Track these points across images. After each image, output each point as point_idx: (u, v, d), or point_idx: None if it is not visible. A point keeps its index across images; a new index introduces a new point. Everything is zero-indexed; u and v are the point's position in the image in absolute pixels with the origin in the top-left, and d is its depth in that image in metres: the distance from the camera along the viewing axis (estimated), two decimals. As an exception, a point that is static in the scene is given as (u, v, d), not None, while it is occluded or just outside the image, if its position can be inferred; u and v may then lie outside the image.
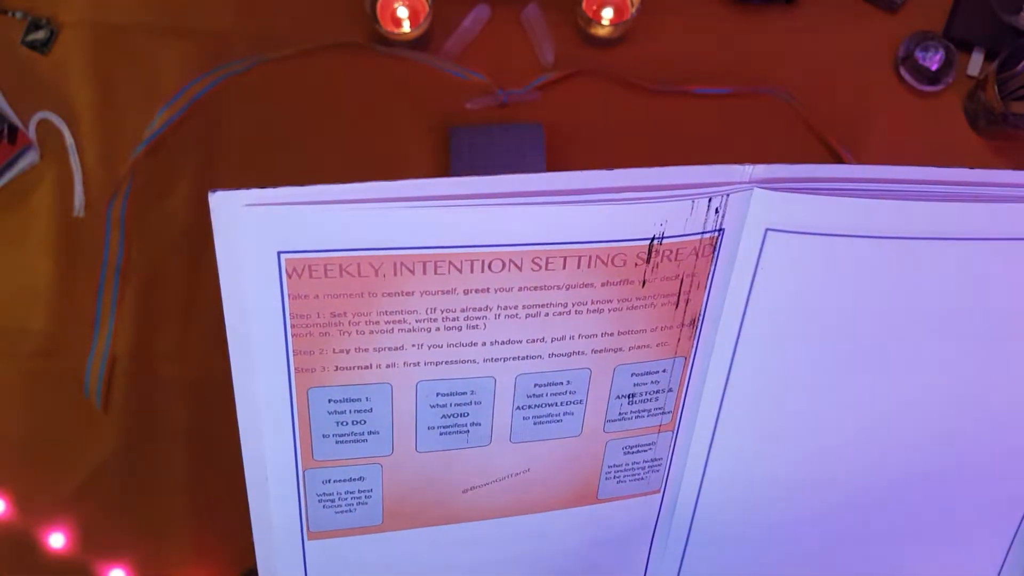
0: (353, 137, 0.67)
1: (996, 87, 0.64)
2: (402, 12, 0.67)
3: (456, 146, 0.65)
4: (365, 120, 0.67)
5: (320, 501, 0.48)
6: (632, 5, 0.67)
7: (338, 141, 0.67)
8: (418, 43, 0.67)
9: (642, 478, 0.51)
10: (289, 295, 0.41)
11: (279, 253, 0.40)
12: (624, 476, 0.51)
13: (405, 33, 0.67)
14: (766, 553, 0.55)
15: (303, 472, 0.47)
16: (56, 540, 0.62)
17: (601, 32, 0.67)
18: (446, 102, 0.67)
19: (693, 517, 0.53)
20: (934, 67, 0.68)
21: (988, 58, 0.69)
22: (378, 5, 0.67)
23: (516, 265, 0.42)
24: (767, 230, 0.44)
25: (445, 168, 0.66)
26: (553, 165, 0.65)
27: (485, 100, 0.68)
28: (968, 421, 0.52)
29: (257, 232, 0.40)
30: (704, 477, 0.52)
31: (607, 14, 0.67)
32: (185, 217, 0.66)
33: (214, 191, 0.39)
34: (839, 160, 0.67)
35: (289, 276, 0.41)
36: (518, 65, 0.68)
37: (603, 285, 0.44)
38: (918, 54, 0.68)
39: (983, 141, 0.69)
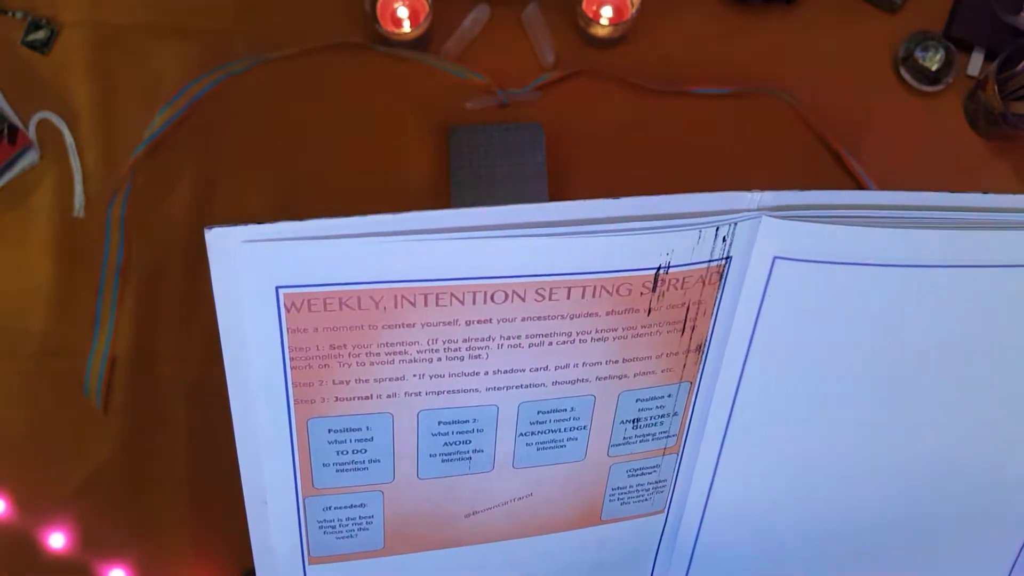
0: (353, 137, 0.66)
1: (996, 87, 0.63)
2: (402, 12, 0.66)
3: (456, 146, 0.64)
4: (365, 120, 0.67)
5: (321, 527, 0.47)
6: (632, 5, 0.66)
7: (338, 141, 0.66)
8: (418, 43, 0.67)
9: (646, 499, 0.51)
10: (288, 329, 0.41)
11: (277, 288, 0.39)
12: (628, 498, 0.50)
13: (405, 33, 0.66)
14: (771, 572, 0.55)
15: (303, 499, 0.46)
16: (56, 540, 0.62)
17: (601, 32, 0.67)
18: (446, 102, 0.66)
19: (697, 537, 0.53)
20: (934, 67, 0.68)
21: (988, 58, 0.68)
22: (378, 5, 0.66)
23: (519, 296, 0.42)
24: (775, 258, 0.43)
25: (445, 168, 0.65)
26: (553, 165, 0.65)
27: (485, 100, 0.67)
28: (977, 446, 0.51)
29: (255, 268, 0.39)
30: (709, 498, 0.51)
31: (607, 14, 0.66)
32: (185, 217, 0.65)
33: (210, 227, 0.38)
34: (839, 160, 0.67)
35: (288, 310, 0.40)
36: (518, 65, 0.67)
37: (608, 314, 0.43)
38: (918, 54, 0.68)
39: (983, 141, 0.68)
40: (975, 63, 0.68)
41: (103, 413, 0.64)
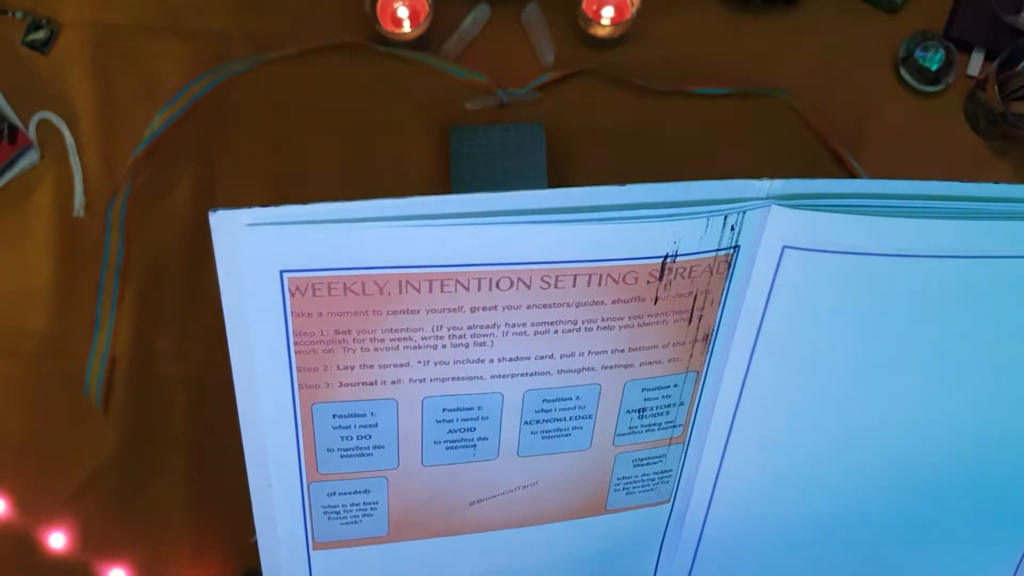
0: (353, 137, 0.66)
1: (996, 87, 0.63)
2: (402, 12, 0.66)
3: (456, 146, 0.64)
4: (365, 120, 0.67)
5: (325, 513, 0.47)
6: (632, 5, 0.66)
7: (338, 141, 0.66)
8: (418, 43, 0.67)
9: (652, 489, 0.50)
10: (292, 313, 0.40)
11: (281, 272, 0.39)
12: (633, 488, 0.50)
13: (405, 33, 0.66)
14: (776, 562, 0.54)
15: (308, 485, 0.46)
16: (56, 540, 0.62)
17: (601, 32, 0.67)
18: (446, 102, 0.66)
19: (703, 527, 0.52)
20: (934, 67, 0.68)
21: (988, 58, 0.68)
22: (378, 5, 0.66)
23: (524, 283, 0.41)
24: (784, 247, 0.43)
25: (445, 168, 0.65)
26: (553, 165, 0.65)
27: (485, 100, 0.67)
28: (986, 440, 0.51)
29: (259, 251, 0.39)
30: (715, 488, 0.51)
31: (607, 14, 0.66)
32: (185, 217, 0.65)
33: (214, 210, 0.37)
34: (839, 160, 0.67)
35: (292, 295, 0.40)
36: (518, 65, 0.67)
37: (614, 303, 0.43)
38: (918, 54, 0.68)
39: (983, 141, 0.68)
40: (975, 63, 0.69)
41: (103, 413, 0.64)
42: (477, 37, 0.68)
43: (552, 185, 0.64)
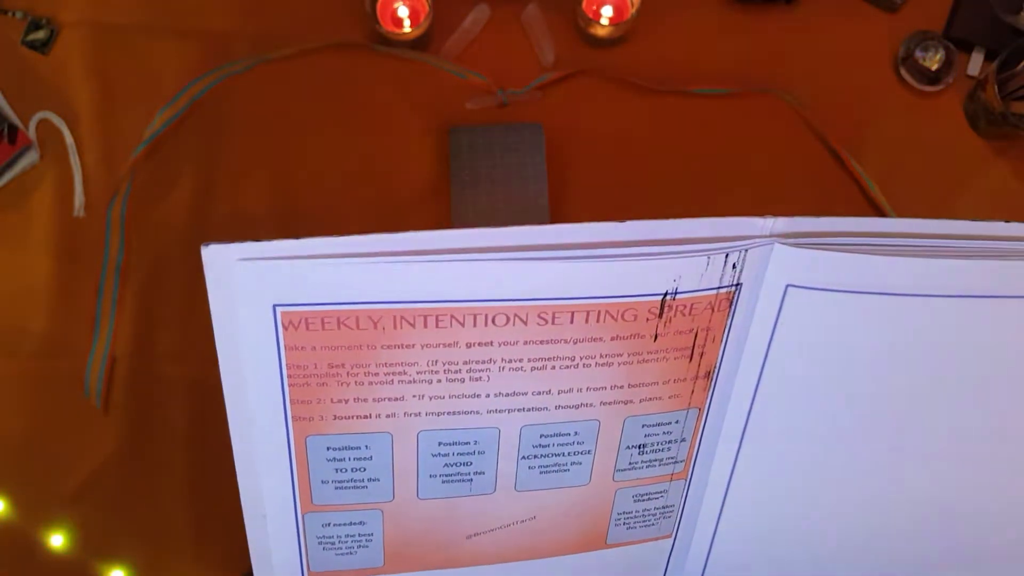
0: (353, 137, 0.65)
1: (996, 87, 0.62)
2: (402, 12, 0.65)
3: (456, 146, 0.64)
4: (365, 120, 0.66)
5: (320, 543, 0.46)
6: (632, 5, 0.65)
7: (338, 141, 0.65)
8: (418, 43, 0.66)
9: (653, 524, 0.49)
10: (286, 346, 0.40)
11: (275, 306, 0.39)
12: (634, 523, 0.49)
13: (405, 33, 0.65)
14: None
15: (302, 515, 0.45)
16: (56, 540, 0.62)
17: (601, 32, 0.66)
18: (446, 102, 0.65)
19: (707, 562, 0.51)
20: (934, 67, 0.67)
21: (988, 58, 0.66)
22: (378, 5, 0.65)
23: (521, 320, 0.41)
24: (788, 286, 0.42)
25: (445, 168, 0.65)
26: (553, 165, 0.64)
27: (485, 100, 0.66)
28: (993, 481, 0.50)
29: (252, 286, 0.38)
30: (719, 524, 0.50)
31: (607, 14, 0.65)
32: (185, 217, 0.64)
33: (207, 244, 0.37)
34: (839, 160, 0.67)
35: (285, 328, 0.39)
36: (518, 65, 0.66)
37: (613, 339, 0.42)
38: (918, 54, 0.67)
39: (983, 141, 0.67)
40: (975, 63, 0.68)
41: (103, 413, 0.63)
42: (477, 37, 0.67)
43: (552, 185, 0.64)
